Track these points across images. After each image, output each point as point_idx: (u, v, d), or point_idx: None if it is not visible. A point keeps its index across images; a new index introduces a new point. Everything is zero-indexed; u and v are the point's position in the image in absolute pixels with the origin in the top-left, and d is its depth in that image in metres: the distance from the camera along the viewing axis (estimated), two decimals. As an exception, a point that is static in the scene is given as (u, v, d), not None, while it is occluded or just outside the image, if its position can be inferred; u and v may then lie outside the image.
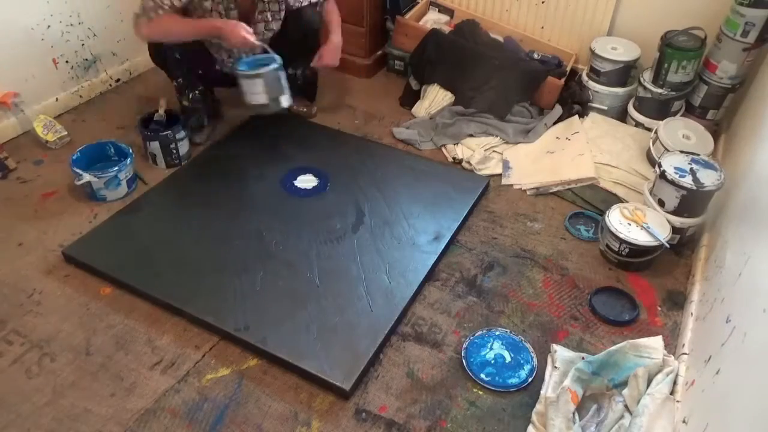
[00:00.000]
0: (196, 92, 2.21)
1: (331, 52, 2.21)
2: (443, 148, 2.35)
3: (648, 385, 1.43)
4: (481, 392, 1.52)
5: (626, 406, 1.43)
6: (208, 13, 1.98)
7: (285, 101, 2.06)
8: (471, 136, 2.36)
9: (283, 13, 2.15)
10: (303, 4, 2.15)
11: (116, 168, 2.01)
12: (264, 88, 2.00)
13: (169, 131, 2.14)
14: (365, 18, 2.65)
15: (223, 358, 1.58)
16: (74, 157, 2.04)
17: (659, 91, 2.25)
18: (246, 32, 1.89)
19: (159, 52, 2.13)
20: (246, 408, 1.47)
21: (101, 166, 2.06)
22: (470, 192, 2.09)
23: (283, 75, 2.03)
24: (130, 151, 2.08)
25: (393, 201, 2.04)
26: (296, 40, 2.17)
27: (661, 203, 1.85)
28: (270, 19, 2.13)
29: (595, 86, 2.42)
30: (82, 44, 2.50)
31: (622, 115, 2.46)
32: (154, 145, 2.15)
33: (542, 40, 2.60)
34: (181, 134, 2.18)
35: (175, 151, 2.19)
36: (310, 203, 2.04)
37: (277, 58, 2.00)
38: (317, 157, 2.23)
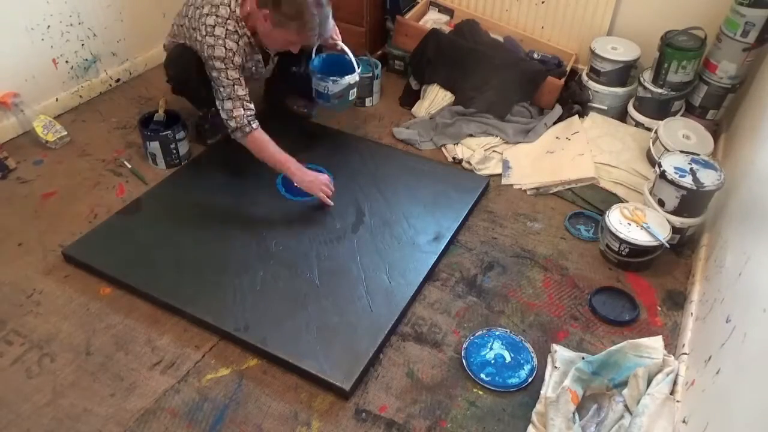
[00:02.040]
0: (213, 109, 2.18)
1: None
2: (443, 148, 2.35)
3: (648, 385, 1.43)
4: (481, 392, 1.52)
5: (626, 406, 1.43)
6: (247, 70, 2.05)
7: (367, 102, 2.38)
8: (471, 136, 2.36)
9: None
10: None
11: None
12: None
13: (169, 131, 2.14)
14: (365, 18, 2.65)
15: (223, 358, 1.58)
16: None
17: (659, 91, 2.25)
18: (321, 187, 1.96)
19: (184, 89, 2.15)
20: (246, 408, 1.47)
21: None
22: (470, 192, 2.09)
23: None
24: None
25: (393, 201, 2.04)
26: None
27: (661, 203, 1.85)
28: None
29: (595, 86, 2.42)
30: (82, 44, 2.50)
31: (622, 115, 2.46)
32: (154, 145, 2.15)
33: (542, 40, 2.60)
34: (181, 134, 2.18)
35: (175, 151, 2.19)
36: (310, 203, 2.04)
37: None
38: (317, 156, 2.23)
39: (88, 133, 2.39)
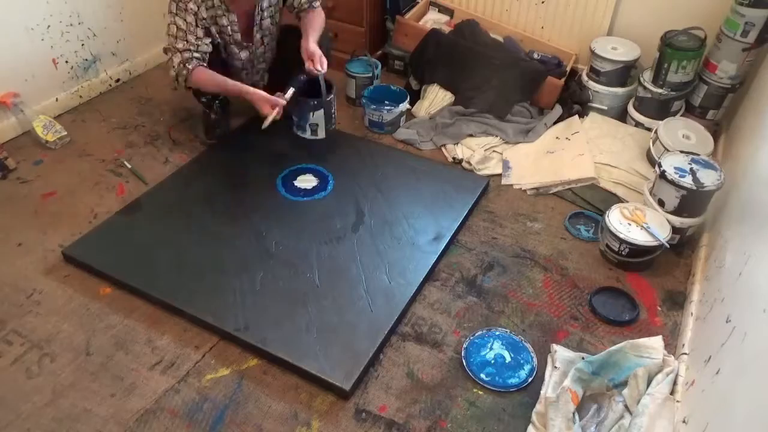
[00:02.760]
0: (217, 102, 2.23)
1: (313, 59, 2.07)
2: (443, 148, 2.35)
3: (648, 385, 1.43)
4: (481, 392, 1.52)
5: (626, 406, 1.43)
6: (220, 35, 2.09)
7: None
8: (471, 136, 2.36)
9: (277, 18, 2.21)
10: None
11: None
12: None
13: (331, 95, 2.16)
14: (365, 18, 2.65)
15: (223, 358, 1.58)
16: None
17: (659, 91, 2.25)
18: (268, 101, 1.99)
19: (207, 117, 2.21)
20: (246, 408, 1.47)
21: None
22: (470, 192, 2.09)
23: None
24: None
25: (393, 201, 2.04)
26: (291, 60, 2.17)
27: (661, 203, 1.85)
28: (268, 25, 2.18)
29: (595, 86, 2.42)
30: (82, 44, 2.50)
31: (622, 115, 2.46)
32: (318, 115, 2.16)
33: (542, 40, 2.60)
34: (332, 96, 2.19)
35: (334, 115, 2.23)
36: (309, 203, 2.04)
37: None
38: (317, 157, 2.23)
39: (88, 133, 2.39)
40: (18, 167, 2.21)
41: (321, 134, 2.24)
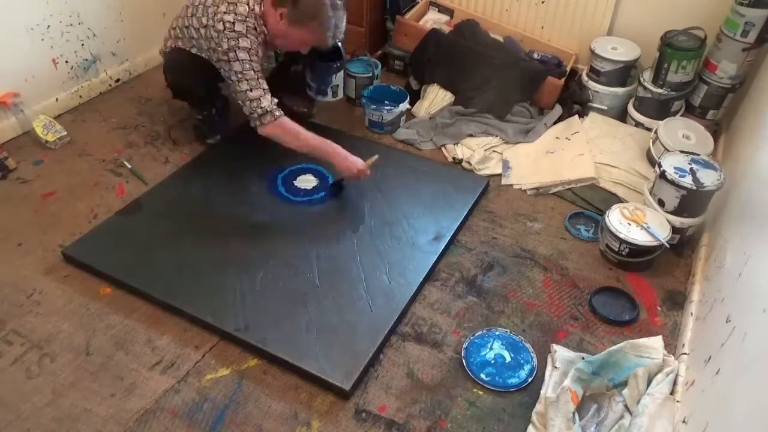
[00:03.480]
0: (213, 110, 2.23)
1: None
2: (443, 148, 2.35)
3: (648, 385, 1.43)
4: (481, 392, 1.52)
5: (626, 406, 1.43)
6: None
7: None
8: (471, 136, 2.36)
9: None
10: None
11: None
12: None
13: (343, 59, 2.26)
14: (365, 18, 2.65)
15: (223, 358, 1.58)
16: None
17: (659, 91, 2.25)
18: (354, 163, 1.93)
19: (185, 92, 2.18)
20: (246, 408, 1.47)
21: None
22: (470, 192, 2.09)
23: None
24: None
25: (393, 201, 2.04)
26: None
27: (661, 203, 1.85)
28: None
29: (595, 86, 2.42)
30: (82, 44, 2.50)
31: (622, 115, 2.46)
32: (339, 76, 2.29)
33: (542, 40, 2.60)
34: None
35: (356, 91, 2.36)
36: (309, 203, 2.04)
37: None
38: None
39: (88, 133, 2.39)
40: (18, 167, 2.21)
41: (340, 94, 2.36)
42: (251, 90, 1.87)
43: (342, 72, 2.26)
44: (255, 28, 1.87)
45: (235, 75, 1.86)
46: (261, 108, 1.87)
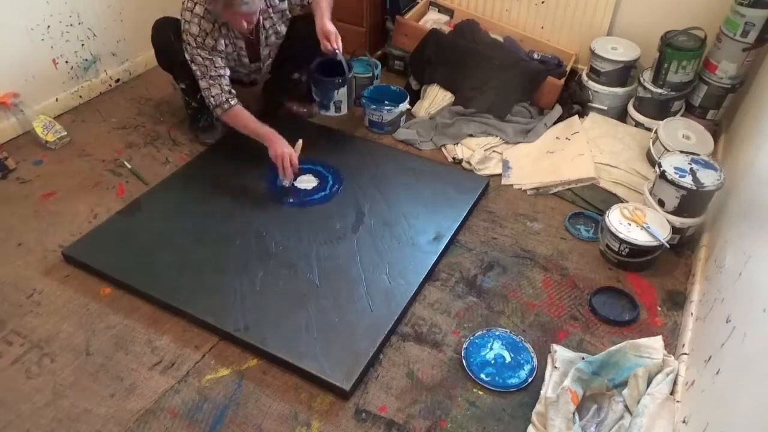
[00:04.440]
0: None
1: (329, 38, 2.08)
2: (443, 148, 2.35)
3: (648, 385, 1.43)
4: (481, 392, 1.52)
5: (626, 406, 1.43)
6: (229, 59, 2.09)
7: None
8: (471, 136, 2.36)
9: (284, 28, 2.18)
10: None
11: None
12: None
13: (351, 72, 2.18)
14: (365, 18, 2.65)
15: (223, 359, 1.58)
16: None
17: (659, 91, 2.25)
18: (288, 150, 2.00)
19: (166, 58, 2.15)
20: (246, 408, 1.47)
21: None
22: (470, 192, 2.09)
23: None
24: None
25: (393, 201, 2.04)
26: (299, 48, 2.21)
27: (661, 203, 1.85)
28: (273, 41, 2.18)
29: (595, 86, 2.42)
30: (82, 44, 2.50)
31: (622, 115, 2.46)
32: (342, 92, 2.18)
33: (542, 40, 2.60)
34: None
35: (354, 91, 2.27)
36: (309, 203, 2.04)
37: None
38: (317, 157, 2.23)
39: (88, 133, 2.39)
40: (18, 167, 2.21)
41: (344, 110, 2.26)
42: (200, 79, 2.00)
43: (345, 87, 2.19)
44: (203, 16, 1.90)
45: (190, 62, 1.99)
46: (212, 98, 2.01)
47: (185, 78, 2.15)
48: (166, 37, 2.05)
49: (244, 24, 1.89)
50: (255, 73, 2.25)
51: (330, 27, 2.04)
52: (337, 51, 2.05)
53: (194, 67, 1.99)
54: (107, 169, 2.22)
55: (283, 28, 2.16)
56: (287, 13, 2.13)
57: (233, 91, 2.04)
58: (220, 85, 1.99)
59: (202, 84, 2.00)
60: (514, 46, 2.57)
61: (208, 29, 1.92)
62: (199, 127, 2.32)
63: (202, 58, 1.96)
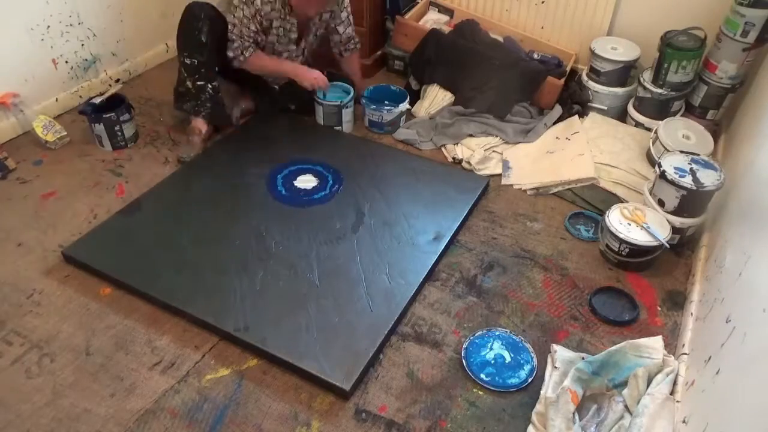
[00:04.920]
0: (209, 87, 2.23)
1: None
2: (443, 148, 2.35)
3: (648, 385, 1.43)
4: (481, 392, 1.52)
5: (626, 406, 1.43)
6: (274, 34, 2.25)
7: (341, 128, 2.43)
8: (471, 136, 2.36)
9: (316, 44, 2.44)
10: (341, 32, 2.38)
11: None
12: (323, 114, 2.40)
13: (113, 113, 2.22)
14: (365, 18, 2.65)
15: (223, 359, 1.58)
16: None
17: (659, 91, 2.25)
18: (315, 76, 2.28)
19: (189, 29, 2.15)
20: (246, 408, 1.47)
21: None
22: (470, 192, 2.09)
23: (346, 111, 2.38)
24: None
25: (393, 201, 2.04)
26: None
27: (661, 203, 1.85)
28: (316, 36, 2.39)
29: (595, 86, 2.42)
30: (82, 44, 2.50)
31: (622, 115, 2.46)
32: (99, 128, 2.25)
33: (542, 40, 2.60)
34: (126, 116, 2.28)
35: (120, 133, 2.28)
36: (309, 203, 2.04)
37: (346, 97, 2.38)
38: (317, 157, 2.23)
39: (88, 133, 2.39)
40: (18, 167, 2.21)
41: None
42: (231, 31, 2.15)
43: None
44: None
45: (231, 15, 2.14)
46: (231, 50, 2.18)
47: (199, 55, 2.16)
48: (206, 10, 2.13)
49: (314, 8, 2.13)
50: (293, 54, 2.34)
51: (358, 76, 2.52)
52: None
53: (231, 20, 2.12)
54: (107, 169, 2.22)
55: (320, 35, 2.39)
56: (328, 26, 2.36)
57: (251, 44, 2.19)
58: (242, 36, 2.15)
59: (231, 28, 2.13)
60: (514, 46, 2.57)
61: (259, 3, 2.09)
62: (183, 109, 2.32)
63: (243, 15, 2.10)
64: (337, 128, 2.40)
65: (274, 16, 2.15)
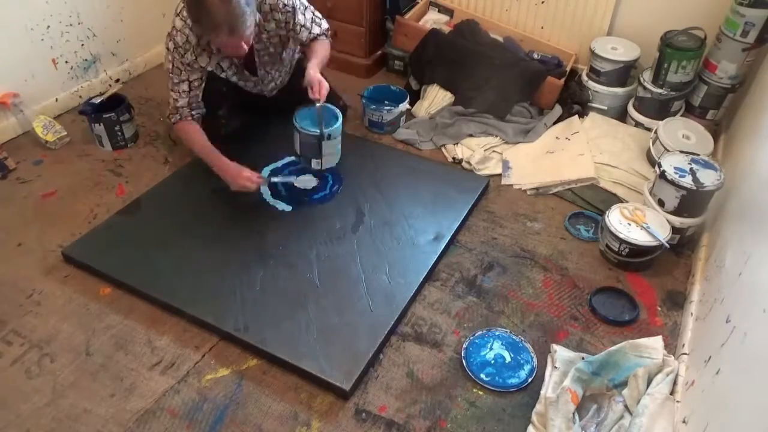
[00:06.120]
0: (219, 111, 2.14)
1: (312, 86, 1.92)
2: (443, 148, 2.35)
3: (648, 385, 1.43)
4: (481, 392, 1.52)
5: (626, 406, 1.43)
6: (232, 74, 2.04)
7: (315, 164, 2.02)
8: (471, 136, 2.36)
9: (286, 63, 2.15)
10: (304, 38, 2.04)
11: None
12: (299, 144, 2.00)
13: (113, 113, 2.21)
14: (365, 18, 2.65)
15: (223, 359, 1.58)
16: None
17: (659, 91, 2.25)
18: (244, 179, 1.91)
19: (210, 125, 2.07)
20: (246, 408, 1.47)
21: None
22: (470, 192, 2.09)
23: (327, 145, 1.96)
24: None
25: (393, 201, 2.04)
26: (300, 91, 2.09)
27: (661, 203, 1.85)
28: (267, 60, 2.07)
29: (595, 86, 2.42)
30: (82, 44, 2.50)
31: (622, 115, 2.46)
32: (99, 128, 2.23)
33: (542, 40, 2.60)
34: (126, 116, 2.27)
35: (120, 133, 2.27)
36: (309, 204, 2.03)
37: (325, 130, 1.93)
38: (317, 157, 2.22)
39: (88, 133, 2.38)
40: (18, 167, 2.21)
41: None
42: (169, 83, 1.95)
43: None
44: (191, 29, 1.82)
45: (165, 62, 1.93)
46: (173, 105, 1.98)
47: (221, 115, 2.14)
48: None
49: (236, 50, 1.77)
50: (259, 85, 2.15)
51: (313, 75, 1.90)
52: (317, 101, 1.89)
53: (166, 68, 1.92)
54: (107, 169, 2.22)
55: (281, 51, 2.07)
56: (284, 37, 2.03)
57: (199, 109, 2.00)
58: (179, 96, 1.95)
59: (168, 85, 1.95)
60: (514, 46, 2.57)
61: (193, 43, 1.84)
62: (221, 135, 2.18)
63: (176, 67, 1.90)
64: (316, 160, 2.01)
65: (213, 58, 1.93)
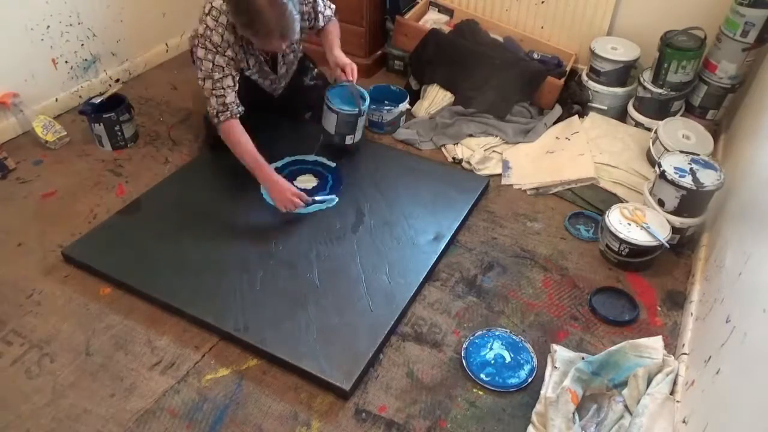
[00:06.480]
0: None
1: (344, 69, 2.05)
2: (443, 148, 2.35)
3: (648, 385, 1.43)
4: (481, 392, 1.52)
5: (626, 406, 1.43)
6: (254, 72, 2.04)
7: (348, 140, 2.17)
8: (471, 136, 2.36)
9: (296, 60, 2.18)
10: (321, 23, 2.09)
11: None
12: (336, 123, 2.10)
13: (113, 113, 2.21)
14: (365, 18, 2.65)
15: (223, 359, 1.58)
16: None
17: (659, 91, 2.25)
18: (293, 197, 1.88)
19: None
20: (246, 408, 1.47)
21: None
22: (470, 192, 2.09)
23: (360, 120, 2.12)
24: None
25: (393, 201, 2.04)
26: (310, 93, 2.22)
27: (661, 203, 1.85)
28: (291, 59, 2.14)
29: (595, 86, 2.42)
30: (82, 44, 2.50)
31: (622, 115, 2.46)
32: (99, 128, 2.24)
33: (542, 40, 2.60)
34: (126, 116, 2.27)
35: (120, 133, 2.27)
36: (309, 203, 2.03)
37: (362, 107, 2.06)
38: (317, 157, 2.22)
39: (88, 133, 2.38)
40: (18, 167, 2.21)
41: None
42: (206, 81, 1.86)
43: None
44: (226, 27, 1.82)
45: (197, 64, 1.87)
46: (210, 107, 1.89)
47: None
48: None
49: (277, 49, 1.84)
50: (275, 83, 2.16)
51: (344, 58, 2.04)
52: (350, 83, 2.01)
53: (203, 69, 1.85)
54: (107, 169, 2.22)
55: (298, 49, 2.16)
56: (305, 29, 2.08)
57: (241, 106, 1.92)
58: (224, 94, 1.87)
59: (207, 85, 1.86)
60: (514, 46, 2.57)
61: (230, 41, 1.83)
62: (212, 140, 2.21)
63: (214, 64, 1.84)
64: (350, 136, 2.14)
65: (245, 53, 1.95)
